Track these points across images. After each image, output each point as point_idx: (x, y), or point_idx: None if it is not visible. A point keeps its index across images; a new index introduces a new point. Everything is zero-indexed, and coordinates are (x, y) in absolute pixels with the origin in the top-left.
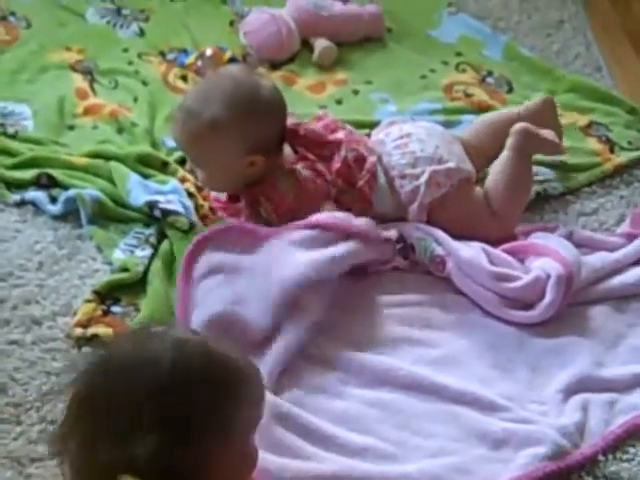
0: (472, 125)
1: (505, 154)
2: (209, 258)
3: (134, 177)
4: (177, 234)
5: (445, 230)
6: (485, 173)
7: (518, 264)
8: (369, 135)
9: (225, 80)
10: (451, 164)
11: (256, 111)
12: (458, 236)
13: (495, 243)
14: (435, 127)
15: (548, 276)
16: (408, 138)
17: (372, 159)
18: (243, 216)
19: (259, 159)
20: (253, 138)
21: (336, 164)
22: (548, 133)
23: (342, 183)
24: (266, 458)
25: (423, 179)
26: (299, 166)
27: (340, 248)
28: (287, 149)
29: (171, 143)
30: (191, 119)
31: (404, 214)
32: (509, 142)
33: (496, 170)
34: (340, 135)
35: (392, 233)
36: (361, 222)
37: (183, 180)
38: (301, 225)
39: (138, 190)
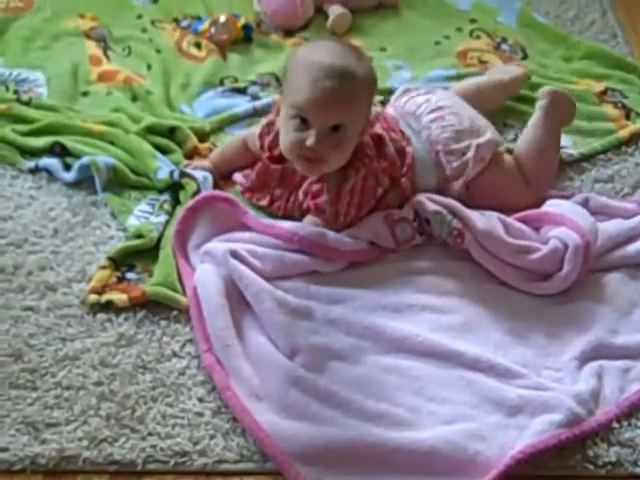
0: (457, 88)
1: (537, 117)
2: (199, 231)
3: (160, 155)
4: (186, 197)
5: (480, 205)
6: None
7: (534, 234)
8: (384, 103)
9: (345, 49)
10: (489, 135)
11: (375, 78)
12: (495, 209)
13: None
14: (453, 96)
15: (566, 246)
16: (442, 111)
17: (409, 150)
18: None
19: (366, 127)
20: (370, 106)
21: (383, 163)
22: None
23: (388, 181)
24: (280, 422)
25: (471, 154)
26: (355, 169)
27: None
28: None
29: (187, 110)
30: (349, 75)
31: (444, 188)
32: (540, 103)
33: (528, 137)
34: (378, 130)
35: (406, 212)
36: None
37: (195, 151)
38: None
39: (166, 167)
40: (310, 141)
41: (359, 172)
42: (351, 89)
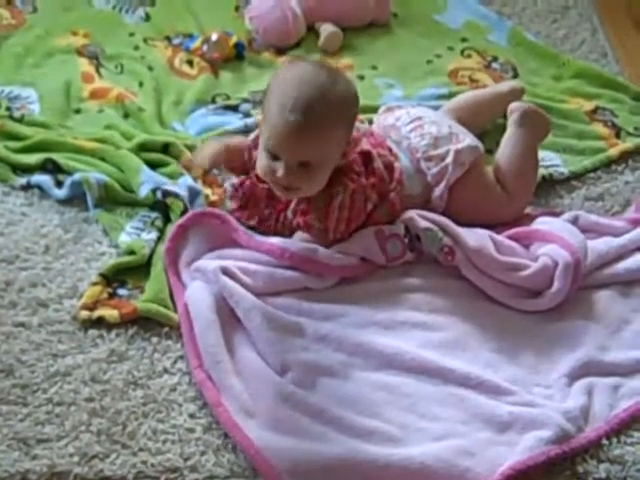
0: (453, 101)
1: (511, 131)
2: (189, 248)
3: (146, 171)
4: (176, 217)
5: (462, 214)
6: None
7: (524, 251)
8: (371, 122)
9: (319, 75)
10: (469, 141)
11: (353, 102)
12: (475, 220)
13: (506, 225)
14: (438, 112)
15: (556, 263)
16: (420, 120)
17: (397, 165)
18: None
19: (348, 149)
20: (350, 129)
21: (372, 178)
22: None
23: (376, 197)
24: (271, 438)
25: (450, 159)
26: (342, 185)
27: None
28: None
29: (179, 127)
30: (312, 112)
31: (428, 196)
32: (512, 117)
33: (505, 149)
34: (366, 146)
35: (397, 228)
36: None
37: (190, 165)
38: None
39: (149, 183)
40: (280, 173)
41: (347, 188)
42: (318, 123)
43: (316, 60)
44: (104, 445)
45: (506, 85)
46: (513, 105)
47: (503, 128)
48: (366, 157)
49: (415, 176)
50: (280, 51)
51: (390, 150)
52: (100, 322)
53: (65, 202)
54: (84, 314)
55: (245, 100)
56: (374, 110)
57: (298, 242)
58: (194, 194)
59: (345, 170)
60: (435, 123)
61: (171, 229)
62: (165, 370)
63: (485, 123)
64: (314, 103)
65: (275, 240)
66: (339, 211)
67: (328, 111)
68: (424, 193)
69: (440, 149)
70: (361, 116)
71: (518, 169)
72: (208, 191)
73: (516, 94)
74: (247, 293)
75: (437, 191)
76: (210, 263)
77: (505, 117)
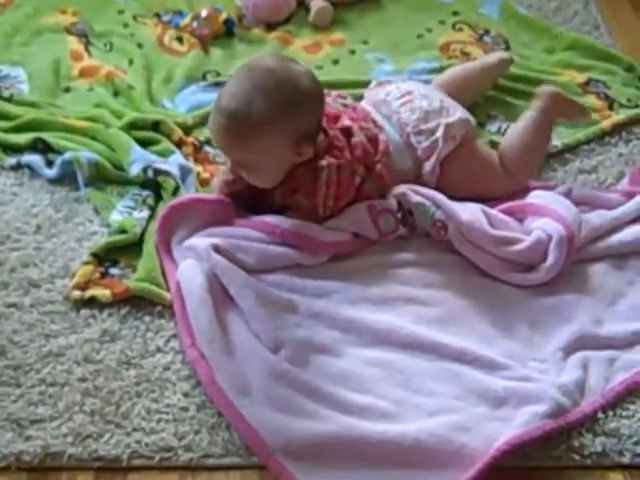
0: (443, 76)
1: (530, 114)
2: (181, 227)
3: (137, 149)
4: (168, 195)
5: (455, 189)
6: None
7: (517, 225)
8: (362, 97)
9: (262, 76)
10: (460, 114)
11: (300, 104)
12: (468, 195)
13: (500, 199)
14: (428, 86)
15: (550, 237)
16: (411, 95)
17: (382, 137)
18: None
19: (307, 148)
20: (300, 130)
21: (356, 152)
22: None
23: (363, 170)
24: (265, 416)
25: (440, 133)
26: (327, 161)
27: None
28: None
29: (169, 105)
30: (236, 121)
31: (419, 171)
32: (536, 103)
33: (516, 130)
34: (346, 122)
35: (390, 203)
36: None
37: (181, 143)
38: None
39: (140, 162)
40: (227, 164)
41: (331, 164)
42: (241, 131)
43: (278, 56)
44: (98, 425)
45: (494, 57)
46: (540, 90)
47: (494, 100)
48: (347, 132)
49: (406, 151)
50: (270, 27)
51: (374, 122)
52: (92, 302)
53: (56, 181)
54: (76, 294)
55: None
56: (365, 85)
57: (289, 219)
58: (186, 172)
59: (328, 147)
60: (426, 97)
61: (163, 208)
62: (158, 349)
63: (475, 96)
64: (230, 124)
65: (267, 217)
66: (326, 187)
67: (257, 121)
68: (415, 168)
69: (430, 123)
70: (351, 91)
71: (523, 150)
72: (199, 168)
73: (505, 65)
74: (239, 270)
75: (428, 166)
76: (202, 241)
77: (497, 90)
